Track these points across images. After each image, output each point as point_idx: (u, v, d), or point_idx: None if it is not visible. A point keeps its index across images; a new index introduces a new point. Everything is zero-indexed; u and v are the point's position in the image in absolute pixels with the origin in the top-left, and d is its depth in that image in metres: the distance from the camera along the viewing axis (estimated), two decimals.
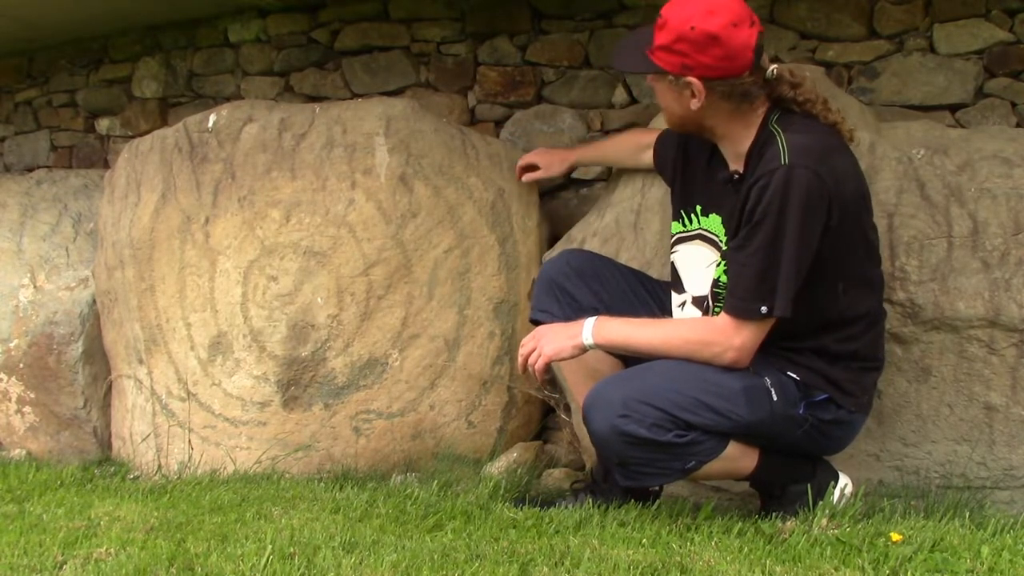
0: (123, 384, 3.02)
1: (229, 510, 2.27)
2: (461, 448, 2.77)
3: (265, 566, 1.74)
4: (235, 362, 2.78)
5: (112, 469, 2.94)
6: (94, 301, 3.15)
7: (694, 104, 1.99)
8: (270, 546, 1.84)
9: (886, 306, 2.33)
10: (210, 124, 2.91)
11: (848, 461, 2.37)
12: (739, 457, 2.06)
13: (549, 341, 2.08)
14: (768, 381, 2.01)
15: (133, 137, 3.64)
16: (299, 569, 1.73)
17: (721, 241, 2.10)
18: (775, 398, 2.00)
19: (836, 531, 1.94)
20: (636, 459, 1.96)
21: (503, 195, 2.87)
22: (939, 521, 2.08)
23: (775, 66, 2.00)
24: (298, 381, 2.73)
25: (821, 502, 2.10)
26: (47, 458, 3.12)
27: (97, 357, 3.14)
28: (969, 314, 2.29)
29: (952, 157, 2.46)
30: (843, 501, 2.15)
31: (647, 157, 2.45)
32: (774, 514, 2.10)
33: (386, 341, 2.74)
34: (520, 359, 2.13)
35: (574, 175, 3.31)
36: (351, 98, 3.45)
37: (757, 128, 2.01)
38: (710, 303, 2.13)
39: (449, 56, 3.48)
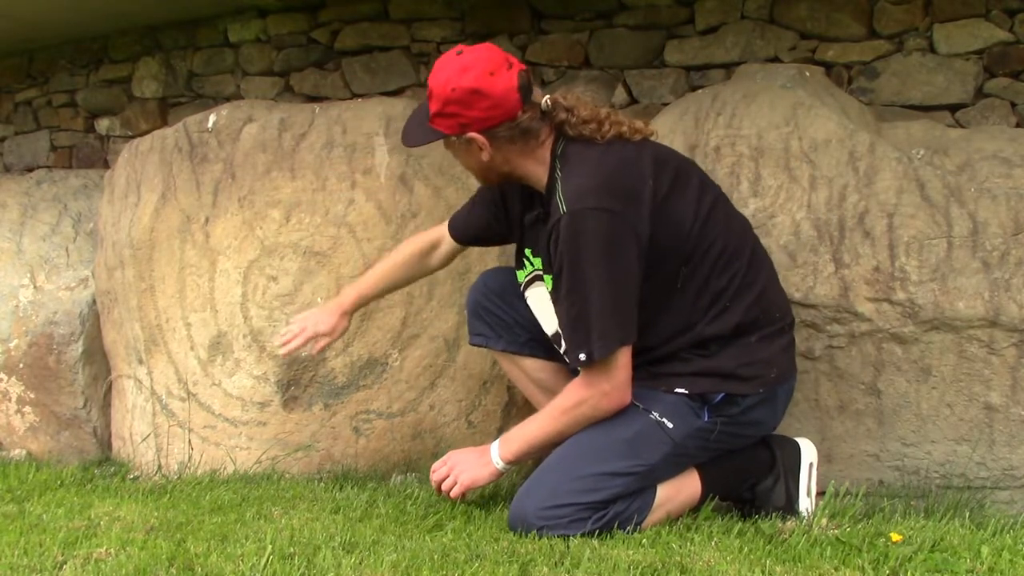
0: (123, 384, 3.02)
1: (229, 510, 2.27)
2: (461, 448, 2.76)
3: (265, 566, 1.74)
4: (235, 362, 2.78)
5: (112, 469, 2.94)
6: (94, 301, 3.15)
7: (484, 156, 2.03)
8: (270, 546, 1.84)
9: (885, 306, 2.33)
10: (210, 124, 2.91)
11: (848, 461, 2.38)
12: (677, 493, 2.06)
13: (464, 469, 2.11)
14: (656, 414, 2.01)
15: (133, 137, 3.64)
16: (299, 569, 1.73)
17: (545, 278, 2.11)
18: (671, 425, 2.00)
19: (836, 531, 1.95)
20: None
21: None
22: (939, 521, 2.08)
23: (546, 97, 2.03)
24: (298, 381, 2.74)
25: (805, 486, 2.12)
26: (47, 458, 3.12)
27: (97, 357, 3.14)
28: (969, 314, 2.29)
29: (952, 157, 2.46)
30: (813, 477, 2.15)
31: (442, 251, 2.42)
32: (772, 514, 2.10)
33: (386, 341, 2.74)
34: (434, 483, 2.16)
35: None
36: (351, 98, 3.46)
37: (548, 164, 2.04)
38: (562, 340, 2.12)
39: None
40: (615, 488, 1.97)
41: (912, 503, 2.26)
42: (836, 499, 2.15)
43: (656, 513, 2.03)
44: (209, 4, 3.66)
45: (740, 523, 2.04)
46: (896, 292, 2.33)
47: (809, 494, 2.15)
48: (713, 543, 1.91)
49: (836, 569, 1.76)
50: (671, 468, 2.05)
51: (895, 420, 2.36)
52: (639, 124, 2.07)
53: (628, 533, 1.98)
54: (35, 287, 3.21)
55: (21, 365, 3.16)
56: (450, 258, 2.46)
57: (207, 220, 2.84)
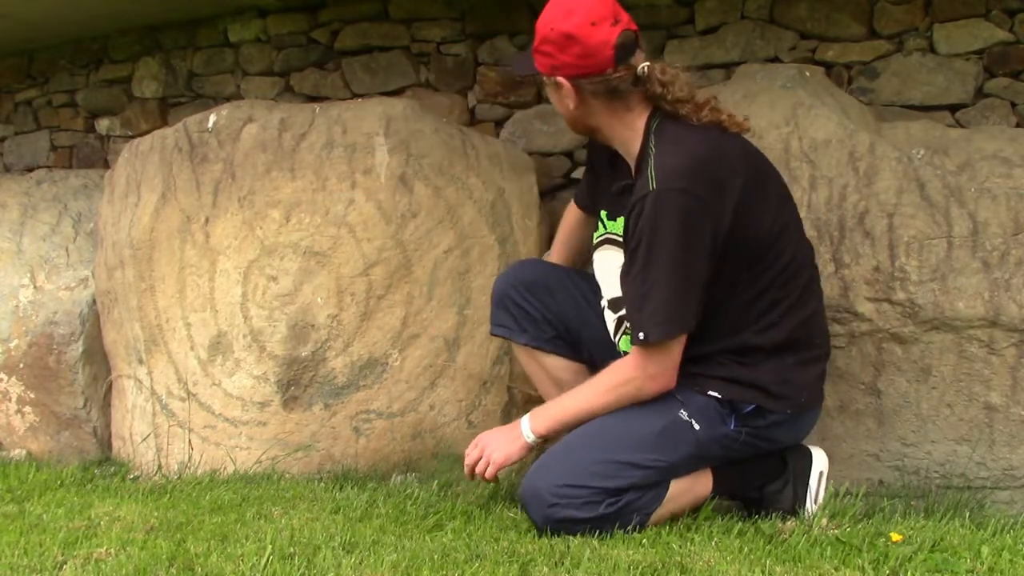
0: (123, 384, 3.02)
1: (229, 510, 2.27)
2: (461, 448, 2.75)
3: (265, 566, 1.74)
4: (235, 362, 2.78)
5: (112, 469, 2.94)
6: (94, 301, 3.15)
7: (571, 104, 2.04)
8: (270, 546, 1.84)
9: (885, 306, 2.33)
10: (210, 124, 2.91)
11: (848, 461, 2.37)
12: (688, 489, 2.06)
13: (496, 448, 2.09)
14: (686, 413, 2.00)
15: (133, 137, 3.64)
16: (299, 569, 1.73)
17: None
18: (697, 427, 2.00)
19: (836, 531, 1.94)
20: (584, 533, 1.97)
21: (503, 195, 2.87)
22: (939, 521, 2.08)
23: (645, 64, 2.00)
24: (298, 381, 2.74)
25: (812, 493, 2.12)
26: (47, 458, 3.12)
27: (97, 357, 3.14)
28: (969, 314, 2.29)
29: (952, 157, 2.46)
30: (823, 486, 2.15)
31: (591, 229, 2.37)
32: (773, 515, 2.10)
33: (386, 341, 2.74)
34: (467, 468, 2.14)
35: (574, 175, 3.32)
36: (351, 98, 3.45)
37: (642, 133, 2.02)
38: (617, 307, 2.13)
39: (449, 56, 3.48)
40: (633, 478, 1.96)
41: (912, 503, 2.26)
42: (836, 499, 2.15)
43: (665, 507, 2.03)
44: (209, 4, 3.65)
45: (740, 523, 2.04)
46: (896, 292, 2.33)
47: (816, 501, 2.14)
48: (713, 543, 1.91)
49: (836, 569, 1.76)
50: (689, 467, 2.05)
51: (895, 420, 2.36)
52: (738, 118, 2.06)
53: (636, 523, 1.98)
54: (35, 287, 3.21)
55: (21, 365, 3.15)
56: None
57: (207, 220, 2.84)
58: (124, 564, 1.77)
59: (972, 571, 1.77)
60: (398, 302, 2.74)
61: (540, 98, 3.36)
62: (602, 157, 2.21)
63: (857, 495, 2.14)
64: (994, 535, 1.98)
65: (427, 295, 2.76)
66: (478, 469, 2.12)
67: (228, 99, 3.70)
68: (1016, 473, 2.29)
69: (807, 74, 2.74)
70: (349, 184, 2.76)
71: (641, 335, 1.94)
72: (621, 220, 2.11)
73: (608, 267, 2.17)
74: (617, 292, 2.12)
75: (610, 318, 2.18)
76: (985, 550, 1.85)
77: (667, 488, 2.02)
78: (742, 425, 2.03)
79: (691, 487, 2.07)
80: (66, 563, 1.81)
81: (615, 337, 2.19)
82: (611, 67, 1.97)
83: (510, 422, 2.82)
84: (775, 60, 3.07)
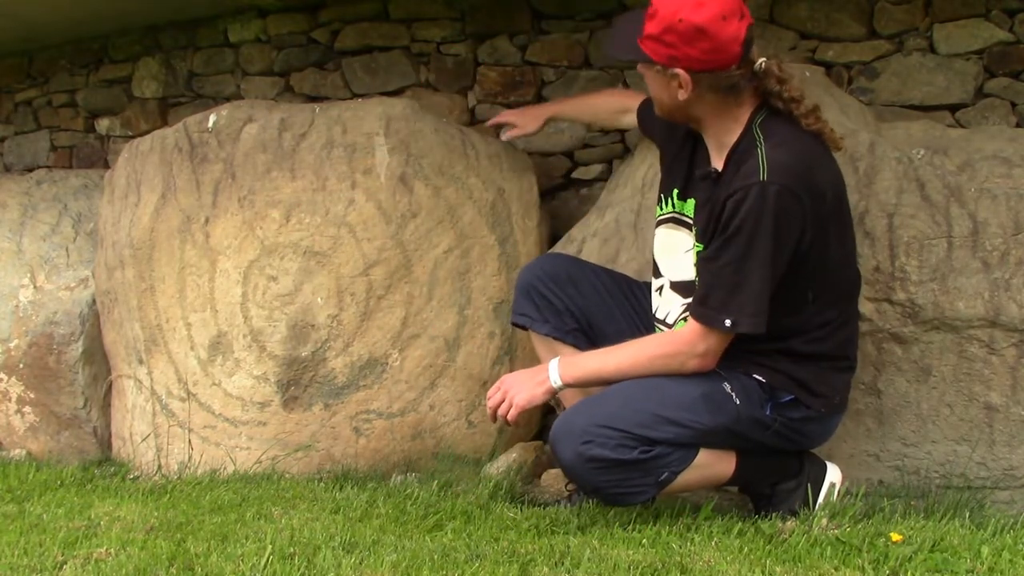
0: (123, 384, 3.02)
1: (229, 510, 2.27)
2: (461, 448, 2.77)
3: (265, 566, 1.74)
4: (235, 362, 2.78)
5: (112, 469, 2.94)
6: (94, 301, 3.15)
7: (681, 95, 1.99)
8: (270, 546, 1.84)
9: (885, 306, 2.33)
10: (210, 124, 2.91)
11: (848, 461, 2.37)
12: (714, 463, 2.07)
13: (519, 390, 2.08)
14: (728, 386, 2.03)
15: (133, 137, 3.64)
16: (299, 569, 1.73)
17: (693, 226, 2.10)
18: (738, 401, 2.02)
19: (836, 531, 1.94)
20: (608, 482, 1.98)
21: (503, 195, 2.87)
22: (939, 521, 2.08)
23: (763, 59, 1.99)
24: (298, 381, 2.74)
25: (821, 502, 2.11)
26: (47, 458, 3.12)
27: (97, 357, 3.14)
28: (969, 314, 2.29)
29: (952, 157, 2.46)
30: (834, 494, 2.16)
31: (628, 120, 2.56)
32: (774, 514, 2.10)
33: (386, 341, 2.74)
34: (489, 410, 2.14)
35: (573, 175, 3.32)
36: (351, 98, 3.45)
37: (743, 125, 2.01)
38: (679, 290, 2.14)
39: (449, 56, 3.48)
40: (668, 434, 1.97)
41: (912, 503, 2.26)
42: (836, 499, 2.15)
43: (691, 473, 2.03)
44: (209, 4, 3.65)
45: (740, 523, 2.04)
46: (896, 292, 2.33)
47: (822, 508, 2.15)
48: (713, 543, 1.91)
49: (836, 569, 1.76)
50: (721, 439, 2.05)
51: (895, 420, 2.36)
52: (836, 134, 2.05)
53: (664, 479, 1.99)
54: (35, 287, 3.21)
55: (21, 365, 3.15)
56: (634, 127, 2.57)
57: (207, 220, 2.84)
58: (124, 564, 1.77)
59: (972, 571, 1.77)
60: (398, 302, 2.74)
61: (540, 98, 3.36)
62: (686, 136, 2.17)
63: (857, 495, 2.14)
64: (994, 535, 1.98)
65: (427, 295, 2.76)
66: (500, 411, 2.11)
67: (228, 99, 3.70)
68: (1016, 473, 2.29)
69: (807, 74, 2.74)
70: (349, 184, 2.76)
71: (728, 322, 1.94)
72: (691, 202, 2.12)
73: (673, 247, 2.16)
74: (682, 274, 2.13)
75: (669, 300, 2.16)
76: (985, 550, 1.85)
77: (696, 452, 2.02)
78: (777, 414, 2.05)
79: (717, 461, 2.07)
80: (66, 563, 1.81)
81: (670, 319, 2.17)
82: (737, 63, 1.94)
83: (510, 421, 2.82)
84: (773, 56, 3.07)
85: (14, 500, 2.45)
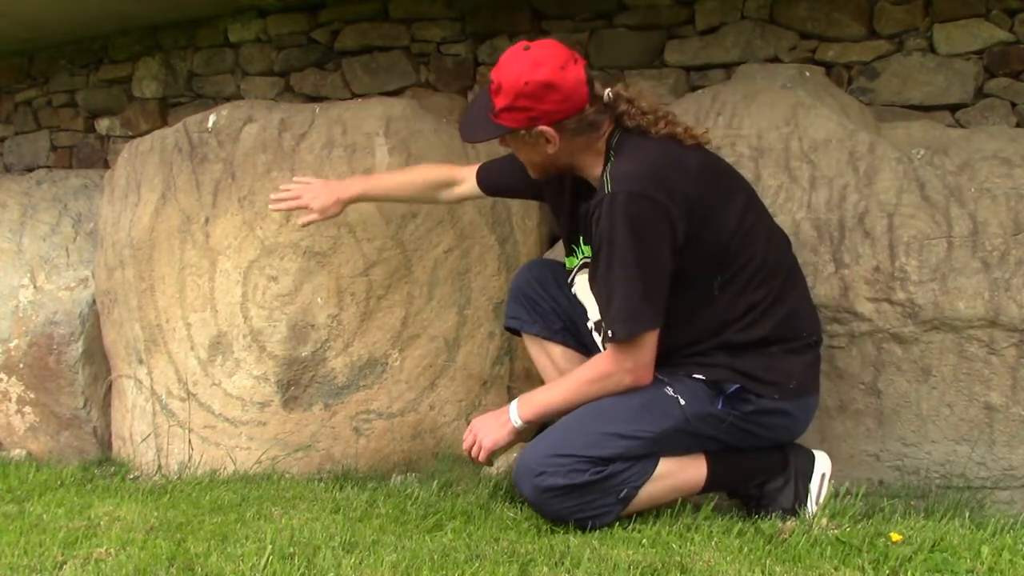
0: (123, 384, 3.02)
1: (229, 510, 2.27)
2: (461, 448, 2.76)
3: (265, 566, 1.74)
4: (235, 362, 2.78)
5: (112, 469, 2.94)
6: (94, 301, 3.15)
7: (551, 149, 2.07)
8: (270, 546, 1.84)
9: (885, 306, 2.33)
10: (210, 124, 2.91)
11: (848, 461, 2.37)
12: (678, 471, 2.08)
13: (486, 433, 2.17)
14: (671, 389, 2.06)
15: (133, 137, 3.64)
16: (299, 569, 1.73)
17: None
18: (683, 402, 2.05)
19: (836, 531, 1.94)
20: (570, 508, 2.01)
21: None
22: (939, 521, 2.08)
23: (608, 90, 2.07)
24: (298, 381, 2.74)
25: (814, 494, 2.12)
26: (47, 458, 3.12)
27: (97, 357, 3.14)
28: (969, 314, 2.29)
29: (952, 157, 2.46)
30: (825, 485, 2.16)
31: (456, 192, 2.52)
32: (772, 515, 2.10)
33: (386, 341, 2.74)
34: (465, 452, 2.23)
35: None
36: (351, 98, 3.46)
37: (603, 155, 2.08)
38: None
39: (449, 56, 3.49)
40: (618, 448, 2.01)
41: (912, 503, 2.26)
42: (836, 499, 2.15)
43: (656, 484, 2.05)
44: (209, 4, 3.66)
45: (740, 523, 2.04)
46: (896, 292, 2.33)
47: (817, 502, 2.15)
48: (713, 543, 1.91)
49: (836, 569, 1.76)
50: (678, 443, 2.07)
51: (895, 420, 2.36)
52: (695, 131, 2.12)
53: (625, 495, 2.03)
54: (35, 287, 3.21)
55: (21, 365, 3.16)
56: (462, 199, 2.56)
57: (207, 220, 2.84)
58: (124, 564, 1.77)
59: (972, 571, 1.77)
60: (398, 302, 2.74)
61: None
62: (562, 183, 2.24)
63: (857, 495, 2.14)
64: (994, 535, 1.98)
65: (427, 295, 2.76)
66: (472, 452, 2.19)
67: (228, 99, 3.70)
68: (1016, 473, 2.29)
69: (807, 74, 2.74)
70: None
71: (610, 332, 2.01)
72: (587, 246, 2.18)
73: (588, 292, 2.22)
74: (599, 315, 2.19)
75: (597, 339, 2.23)
76: (985, 550, 1.85)
77: (655, 464, 2.05)
78: (729, 407, 2.07)
79: (683, 468, 2.09)
80: (66, 563, 1.81)
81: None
82: (587, 103, 2.03)
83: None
84: (775, 60, 3.08)
85: (14, 500, 2.45)
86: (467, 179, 2.50)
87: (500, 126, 2.06)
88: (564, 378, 2.17)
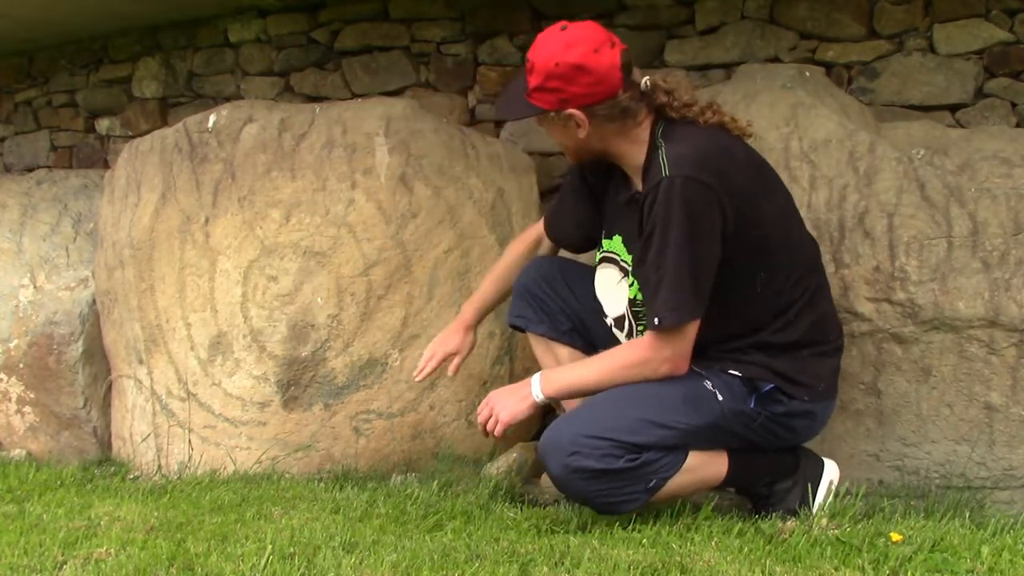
0: (123, 384, 3.02)
1: (229, 510, 2.27)
2: (461, 448, 2.77)
3: (265, 566, 1.74)
4: (235, 362, 2.78)
5: (112, 469, 2.94)
6: (94, 301, 3.15)
7: (581, 133, 2.05)
8: (270, 546, 1.84)
9: (885, 306, 2.33)
10: (210, 124, 2.91)
11: (848, 461, 2.37)
12: (704, 465, 2.08)
13: (503, 406, 2.12)
14: (710, 383, 2.05)
15: (133, 137, 3.64)
16: (299, 569, 1.73)
17: (624, 261, 2.15)
18: (720, 397, 2.04)
19: (836, 531, 1.94)
20: (598, 491, 2.00)
21: (503, 195, 2.87)
22: (939, 521, 2.08)
23: (647, 77, 2.05)
24: (298, 381, 2.74)
25: (820, 500, 2.11)
26: (47, 458, 3.12)
27: (97, 357, 3.14)
28: (969, 314, 2.29)
29: (952, 157, 2.46)
30: (832, 490, 2.16)
31: (546, 247, 2.45)
32: (773, 514, 2.10)
33: (386, 341, 2.74)
34: (480, 426, 2.18)
35: None
36: (351, 98, 3.46)
37: (647, 142, 2.06)
38: (631, 321, 2.17)
39: (449, 56, 3.49)
40: (654, 437, 1.99)
41: (912, 503, 2.26)
42: (836, 499, 2.15)
43: (682, 476, 2.04)
44: (209, 4, 3.66)
45: (740, 523, 2.04)
46: (896, 292, 2.33)
47: (823, 508, 2.15)
48: (713, 543, 1.91)
49: (836, 569, 1.76)
50: (708, 438, 2.06)
51: (895, 420, 2.36)
52: (741, 122, 2.11)
53: (653, 486, 2.01)
54: (35, 287, 3.21)
55: (21, 365, 3.15)
56: (556, 252, 2.48)
57: (207, 220, 2.84)
58: (124, 564, 1.77)
59: (972, 571, 1.77)
60: (398, 302, 2.74)
61: None
62: (596, 181, 2.24)
63: (857, 495, 2.14)
64: (994, 535, 1.98)
65: (427, 295, 2.76)
66: (488, 426, 2.14)
67: (228, 99, 3.70)
68: (1016, 473, 2.29)
69: (807, 74, 2.74)
70: (349, 184, 2.77)
71: (656, 320, 1.98)
72: (616, 238, 2.17)
73: (609, 285, 2.21)
74: (619, 310, 2.18)
75: (620, 335, 2.21)
76: (985, 550, 1.84)
77: (686, 456, 2.04)
78: (760, 407, 2.06)
79: (707, 464, 2.09)
80: (66, 563, 1.81)
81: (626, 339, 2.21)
82: (621, 88, 2.00)
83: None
84: (775, 60, 3.08)
85: (14, 500, 2.45)
86: (543, 234, 2.45)
87: (532, 106, 2.05)
88: (595, 358, 2.13)
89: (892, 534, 1.92)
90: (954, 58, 2.92)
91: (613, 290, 2.19)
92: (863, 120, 2.67)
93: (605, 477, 1.97)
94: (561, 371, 2.16)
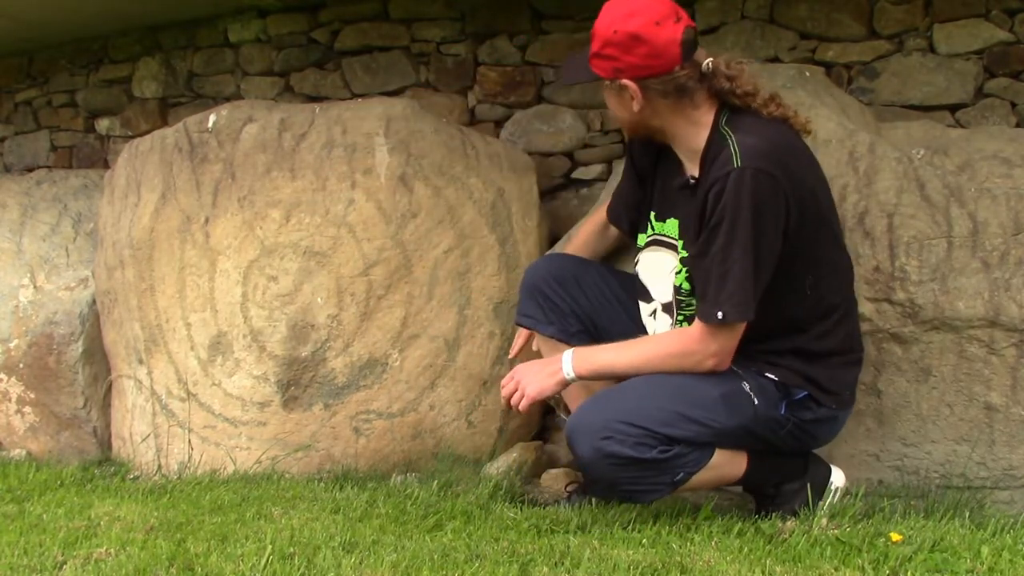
0: (123, 384, 3.02)
1: (229, 510, 2.27)
2: (461, 448, 2.77)
3: (265, 566, 1.74)
4: (235, 362, 2.78)
5: (112, 469, 2.94)
6: (94, 301, 3.15)
7: (635, 106, 2.02)
8: (270, 546, 1.84)
9: (885, 306, 2.33)
10: (210, 124, 2.91)
11: (848, 461, 2.37)
12: (727, 463, 2.07)
13: (531, 381, 2.09)
14: (747, 385, 2.03)
15: (133, 137, 3.64)
16: (299, 569, 1.73)
17: (678, 245, 2.11)
18: (756, 401, 2.02)
19: (836, 531, 1.94)
20: (624, 479, 1.97)
21: (503, 195, 2.87)
22: (939, 521, 2.08)
23: (710, 59, 2.01)
24: (298, 381, 2.74)
25: (821, 501, 2.11)
26: (47, 458, 3.12)
27: (97, 357, 3.14)
28: (969, 314, 2.29)
29: (952, 157, 2.46)
30: (836, 495, 2.16)
31: (612, 236, 2.45)
32: (774, 514, 2.10)
33: (386, 341, 2.74)
34: (503, 400, 2.15)
35: (573, 175, 3.32)
36: (351, 98, 3.46)
37: (709, 129, 2.03)
38: (675, 310, 2.15)
39: (449, 56, 3.49)
40: (689, 432, 1.97)
41: (912, 503, 2.26)
42: (836, 499, 2.15)
43: (705, 473, 2.03)
44: (209, 4, 3.66)
45: (740, 523, 2.04)
46: (896, 292, 2.33)
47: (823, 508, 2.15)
48: (713, 543, 1.91)
49: (836, 569, 1.76)
50: (736, 438, 2.05)
51: (895, 420, 2.36)
52: (802, 118, 2.08)
53: (680, 479, 1.99)
54: (35, 287, 3.21)
55: (21, 365, 3.16)
56: (620, 239, 2.45)
57: (207, 220, 2.84)
58: (124, 564, 1.77)
59: (972, 571, 1.77)
60: (398, 302, 2.74)
61: (540, 98, 3.36)
62: (645, 163, 2.21)
63: (857, 495, 2.14)
64: (994, 535, 1.98)
65: (427, 295, 2.75)
66: (513, 400, 2.11)
67: (228, 99, 3.70)
68: (1016, 473, 2.29)
69: (807, 74, 2.74)
70: (349, 184, 2.77)
71: (720, 314, 1.94)
72: (671, 222, 2.13)
73: (657, 269, 2.17)
74: (669, 297, 2.15)
75: (662, 323, 2.18)
76: (985, 550, 1.84)
77: (712, 453, 2.02)
78: (791, 413, 2.06)
79: (730, 462, 2.08)
80: (66, 563, 1.81)
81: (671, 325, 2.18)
82: (678, 65, 1.97)
83: (510, 422, 2.82)
84: (775, 60, 3.08)
85: (14, 500, 2.45)
86: (598, 220, 2.45)
87: (590, 71, 2.03)
88: (635, 342, 2.10)
89: (892, 534, 1.92)
90: (954, 58, 2.92)
91: (665, 276, 2.15)
92: (863, 120, 2.66)
93: (635, 466, 1.94)
94: (596, 350, 2.10)
